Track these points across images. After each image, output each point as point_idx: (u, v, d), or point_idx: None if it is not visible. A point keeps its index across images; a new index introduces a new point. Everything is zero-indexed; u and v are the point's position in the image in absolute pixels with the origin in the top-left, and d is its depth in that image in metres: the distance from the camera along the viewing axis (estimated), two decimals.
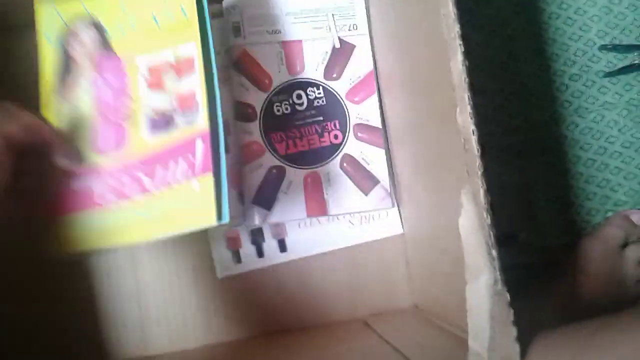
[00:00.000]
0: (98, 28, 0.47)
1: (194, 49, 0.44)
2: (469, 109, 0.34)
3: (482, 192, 0.34)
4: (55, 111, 0.45)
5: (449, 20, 0.34)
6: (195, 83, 0.44)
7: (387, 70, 0.53)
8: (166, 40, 0.46)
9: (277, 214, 0.52)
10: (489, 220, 0.34)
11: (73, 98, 0.45)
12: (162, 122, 0.44)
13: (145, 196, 0.42)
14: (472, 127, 0.34)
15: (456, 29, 0.34)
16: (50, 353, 0.50)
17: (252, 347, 0.51)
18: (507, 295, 0.34)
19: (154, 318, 0.52)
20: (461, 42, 0.34)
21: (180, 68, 0.45)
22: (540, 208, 0.58)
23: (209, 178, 0.40)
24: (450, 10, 0.34)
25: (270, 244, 0.53)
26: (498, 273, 0.34)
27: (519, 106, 0.59)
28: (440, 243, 0.44)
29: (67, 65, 0.46)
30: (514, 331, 0.34)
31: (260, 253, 0.53)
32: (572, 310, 0.52)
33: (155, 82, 0.45)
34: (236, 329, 0.52)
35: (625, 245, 0.56)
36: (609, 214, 0.59)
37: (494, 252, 0.34)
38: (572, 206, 0.59)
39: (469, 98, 0.34)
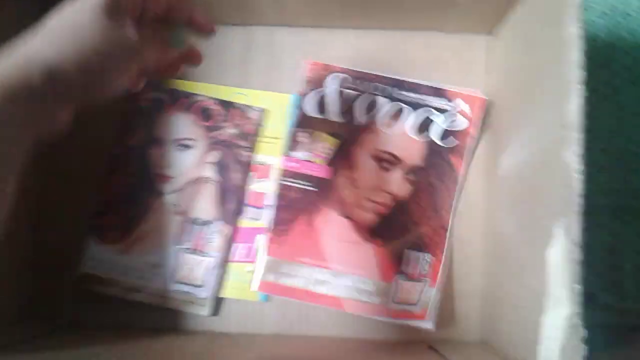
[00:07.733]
0: None
1: (273, 161, 0.56)
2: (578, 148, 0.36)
3: (576, 226, 0.36)
4: None
5: (572, 65, 0.37)
6: (266, 187, 0.56)
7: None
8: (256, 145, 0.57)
9: None
10: (577, 256, 0.36)
11: None
12: None
13: None
14: (577, 165, 0.36)
15: (577, 73, 0.37)
16: None
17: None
18: (582, 331, 0.35)
19: None
20: (581, 87, 0.37)
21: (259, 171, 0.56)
22: (627, 273, 0.58)
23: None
24: (575, 55, 0.37)
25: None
26: (577, 307, 0.35)
27: (620, 169, 0.59)
28: (522, 276, 0.45)
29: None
30: None
31: None
32: None
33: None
34: None
35: None
36: None
37: (577, 287, 0.35)
38: None
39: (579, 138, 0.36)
